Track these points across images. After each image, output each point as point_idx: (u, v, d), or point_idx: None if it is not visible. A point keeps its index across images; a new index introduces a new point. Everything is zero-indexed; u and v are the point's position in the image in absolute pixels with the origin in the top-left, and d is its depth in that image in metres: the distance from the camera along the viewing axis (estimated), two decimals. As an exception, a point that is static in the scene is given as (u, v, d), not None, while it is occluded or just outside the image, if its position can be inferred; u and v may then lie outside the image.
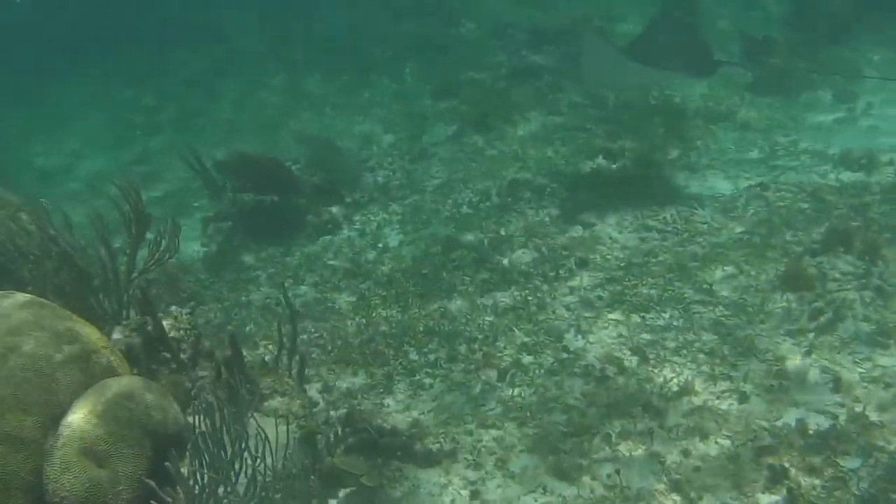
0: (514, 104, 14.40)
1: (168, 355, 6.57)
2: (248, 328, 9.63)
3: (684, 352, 8.17)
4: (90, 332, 5.75)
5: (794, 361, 7.77)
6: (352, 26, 20.44)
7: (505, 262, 10.15)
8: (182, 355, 6.73)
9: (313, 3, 21.99)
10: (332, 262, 10.86)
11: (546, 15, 18.49)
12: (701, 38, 11.05)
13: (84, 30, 22.26)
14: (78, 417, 5.10)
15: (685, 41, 10.97)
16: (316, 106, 16.98)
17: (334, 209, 11.87)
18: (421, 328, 9.14)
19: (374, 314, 9.52)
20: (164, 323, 6.71)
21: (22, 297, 5.78)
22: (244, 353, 7.04)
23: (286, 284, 10.30)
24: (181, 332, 6.87)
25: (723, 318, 8.55)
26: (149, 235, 7.37)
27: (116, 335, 6.47)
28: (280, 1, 22.48)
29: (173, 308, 7.11)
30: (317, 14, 21.59)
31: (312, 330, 9.31)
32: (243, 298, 10.34)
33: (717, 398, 7.54)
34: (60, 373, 5.31)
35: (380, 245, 11.09)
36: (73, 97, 21.00)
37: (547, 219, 10.96)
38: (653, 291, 9.15)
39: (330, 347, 9.03)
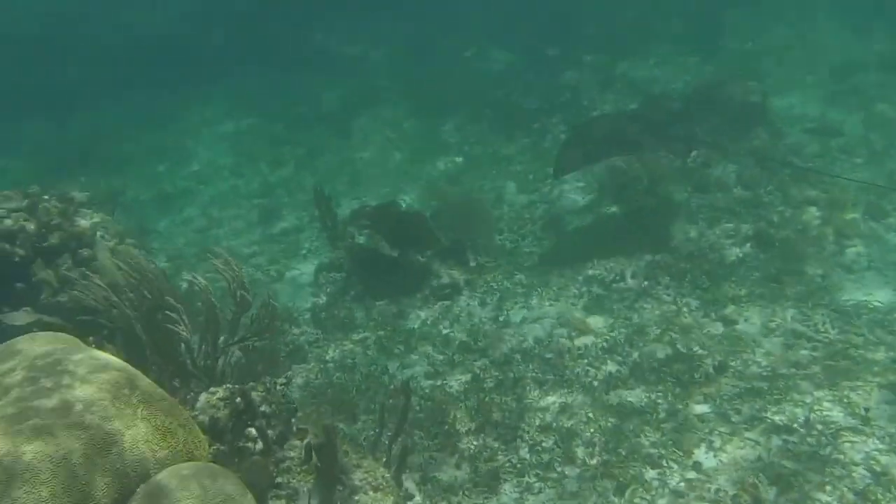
0: (658, 176, 13.47)
1: (255, 432, 5.91)
2: (349, 396, 8.92)
3: (830, 489, 7.17)
4: (168, 405, 5.08)
5: (962, 516, 6.70)
6: (501, 75, 19.92)
7: (635, 355, 9.24)
8: (271, 432, 6.06)
9: (461, 45, 21.54)
10: (447, 332, 10.07)
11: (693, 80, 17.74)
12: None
13: (223, 51, 22.34)
14: (141, 508, 4.45)
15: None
16: (448, 155, 16.33)
17: (456, 272, 11.10)
18: (537, 422, 8.31)
19: (486, 399, 8.71)
20: (255, 394, 6.05)
21: (99, 357, 5.16)
22: (339, 426, 6.40)
23: (396, 352, 9.63)
24: (273, 406, 6.20)
25: (877, 453, 7.50)
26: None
27: (201, 404, 5.84)
28: (426, 40, 22.13)
29: (267, 378, 6.45)
30: (463, 59, 21.13)
31: (417, 408, 8.55)
32: (349, 361, 9.63)
33: (869, 551, 6.53)
34: (129, 453, 4.65)
35: (501, 318, 10.24)
36: (204, 119, 20.91)
37: (685, 310, 10.00)
38: (798, 410, 8.15)
39: (435, 431, 8.26)
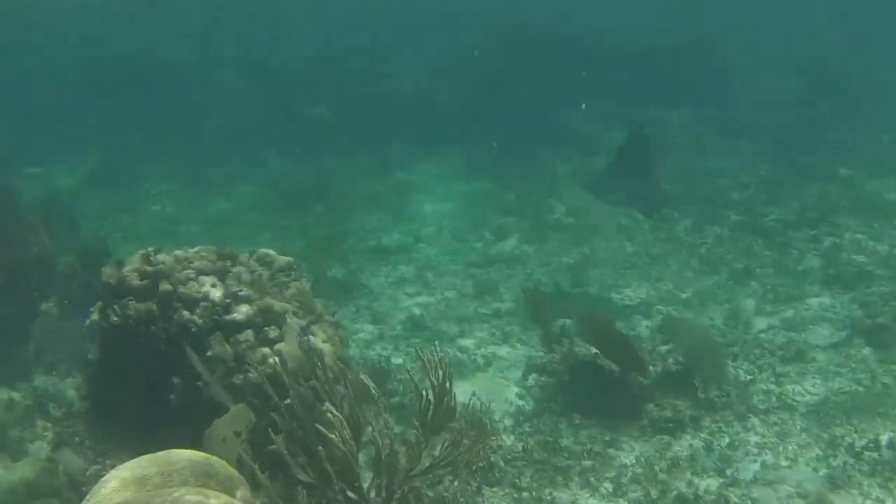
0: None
1: None
2: (544, 544, 7.79)
3: None
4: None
5: None
6: (743, 175, 18.82)
7: (889, 556, 7.72)
8: None
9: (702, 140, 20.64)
10: (663, 477, 8.70)
11: None
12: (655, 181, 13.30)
13: (464, 111, 22.14)
14: None
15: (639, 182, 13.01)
16: (680, 254, 15.05)
17: (681, 403, 9.79)
18: None
19: (699, 580, 7.40)
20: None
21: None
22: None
23: (603, 491, 8.43)
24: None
25: None
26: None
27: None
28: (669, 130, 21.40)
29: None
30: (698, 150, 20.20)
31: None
32: (546, 495, 8.42)
33: None
34: None
35: (728, 472, 8.76)
36: (435, 176, 20.50)
37: (954, 500, 8.35)
38: None
39: None
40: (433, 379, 5.90)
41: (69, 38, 31.81)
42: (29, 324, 10.83)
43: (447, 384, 5.89)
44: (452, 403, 5.93)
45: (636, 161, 13.21)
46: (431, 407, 5.87)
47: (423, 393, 5.89)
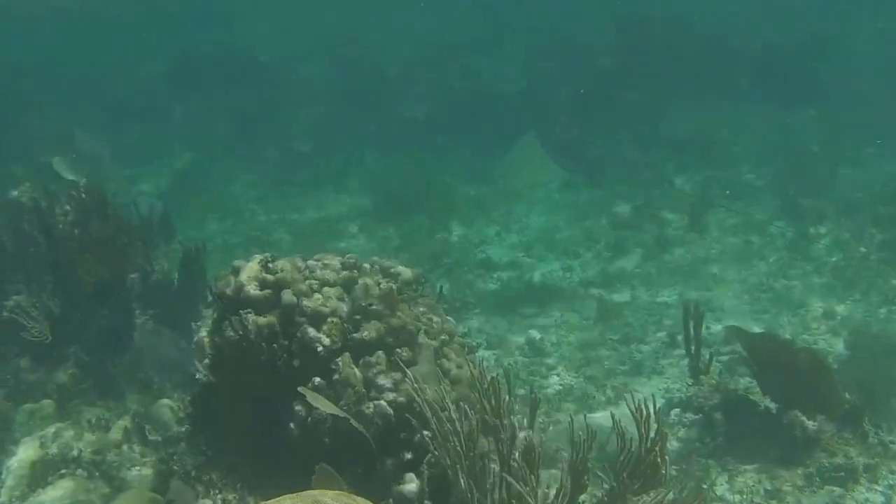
0: None
1: None
2: None
3: None
4: None
5: None
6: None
7: None
8: None
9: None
10: (840, 537, 7.56)
11: None
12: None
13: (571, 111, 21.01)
14: None
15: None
16: (821, 276, 13.81)
17: (852, 449, 8.54)
18: None
19: None
20: None
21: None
22: None
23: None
24: None
25: None
26: None
27: None
28: (802, 133, 20.02)
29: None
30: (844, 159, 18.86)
31: None
32: (710, 552, 7.33)
33: None
34: None
35: None
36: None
37: None
38: None
39: None
40: (643, 431, 4.94)
41: (153, 33, 31.12)
42: (125, 337, 10.02)
43: (658, 441, 4.91)
44: (660, 464, 4.93)
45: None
46: (632, 460, 4.91)
47: (629, 443, 4.93)
